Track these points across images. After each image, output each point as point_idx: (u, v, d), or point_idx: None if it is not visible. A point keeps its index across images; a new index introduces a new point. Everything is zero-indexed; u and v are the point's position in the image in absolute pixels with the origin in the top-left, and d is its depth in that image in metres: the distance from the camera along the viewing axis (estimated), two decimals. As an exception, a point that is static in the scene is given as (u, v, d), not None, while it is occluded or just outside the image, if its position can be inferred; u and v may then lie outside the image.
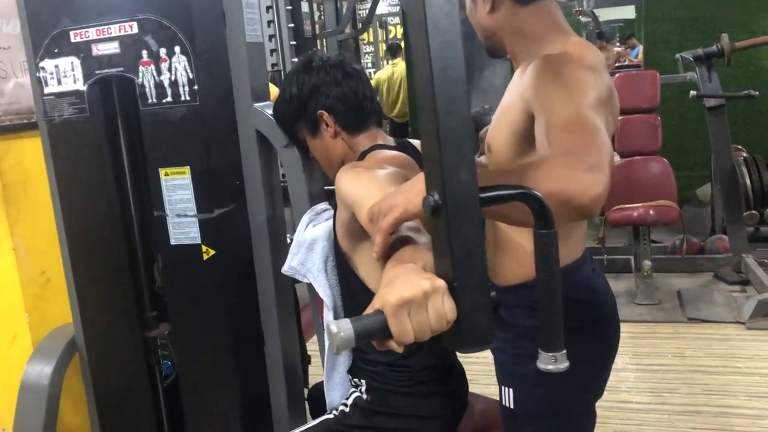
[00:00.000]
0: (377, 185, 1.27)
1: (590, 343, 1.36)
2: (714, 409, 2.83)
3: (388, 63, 9.23)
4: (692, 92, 3.97)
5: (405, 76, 7.03)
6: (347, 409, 1.56)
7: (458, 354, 1.61)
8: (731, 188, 4.19)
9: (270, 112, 1.62)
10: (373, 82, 7.28)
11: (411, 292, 0.77)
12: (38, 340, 1.97)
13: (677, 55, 4.32)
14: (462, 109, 0.75)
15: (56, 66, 1.66)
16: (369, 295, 1.48)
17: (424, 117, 0.77)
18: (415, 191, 0.95)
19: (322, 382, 1.92)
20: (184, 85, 1.58)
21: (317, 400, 1.85)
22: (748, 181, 4.12)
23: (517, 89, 1.26)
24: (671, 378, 3.13)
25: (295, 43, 5.14)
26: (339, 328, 0.76)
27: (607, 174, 0.95)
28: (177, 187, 1.63)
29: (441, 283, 0.78)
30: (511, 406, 1.39)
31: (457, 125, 0.75)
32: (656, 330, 3.68)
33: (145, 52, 1.58)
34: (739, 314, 3.67)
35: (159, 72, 1.59)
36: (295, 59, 5.24)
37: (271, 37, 5.19)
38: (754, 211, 4.48)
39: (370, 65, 9.16)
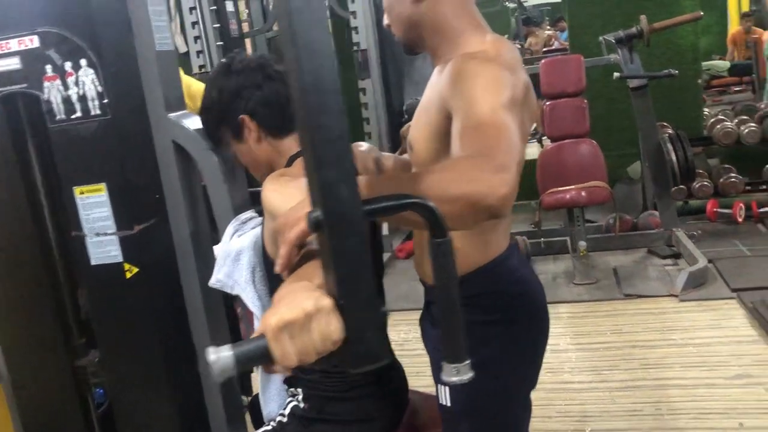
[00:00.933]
0: (302, 195, 1.24)
1: (521, 334, 1.38)
2: (652, 382, 2.92)
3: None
4: (615, 74, 4.06)
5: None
6: (285, 419, 1.53)
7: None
8: (658, 165, 4.32)
9: (186, 121, 1.58)
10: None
11: (292, 314, 0.75)
12: (-41, 371, 1.88)
13: (600, 38, 4.41)
14: (338, 123, 0.72)
15: (-46, 85, 1.57)
16: None
17: (301, 131, 0.75)
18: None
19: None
20: (93, 99, 1.52)
21: (259, 410, 1.82)
22: (674, 157, 4.25)
23: (436, 88, 1.26)
24: (611, 355, 3.21)
25: (222, 43, 5.03)
26: (217, 355, 0.73)
27: (514, 174, 0.96)
28: (93, 205, 1.57)
29: (326, 302, 0.76)
30: (448, 404, 1.39)
31: (334, 139, 0.72)
32: (595, 308, 3.78)
33: (49, 67, 1.52)
34: (673, 287, 3.80)
35: (66, 87, 1.52)
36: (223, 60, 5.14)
37: (196, 38, 5.07)
38: (682, 186, 4.64)
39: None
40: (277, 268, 0.94)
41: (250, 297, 1.51)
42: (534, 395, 1.47)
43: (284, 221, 0.96)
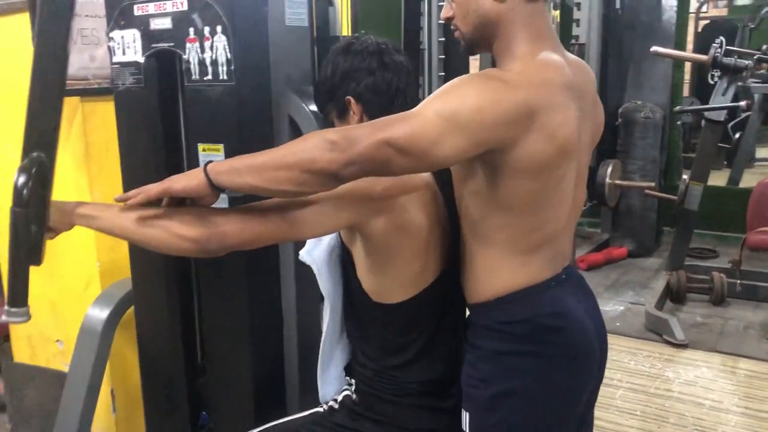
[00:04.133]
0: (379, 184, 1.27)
1: (555, 373, 1.27)
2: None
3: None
4: None
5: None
6: (336, 406, 1.54)
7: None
8: None
9: (304, 98, 1.61)
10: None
11: None
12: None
13: None
14: None
15: (122, 37, 1.76)
16: (361, 294, 1.44)
17: None
18: (190, 175, 1.22)
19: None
20: (222, 65, 1.61)
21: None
22: None
23: None
24: (780, 431, 2.76)
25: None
26: None
27: (357, 148, 1.07)
28: (212, 163, 1.67)
29: None
30: (467, 430, 1.32)
31: None
32: (782, 374, 3.26)
33: (191, 29, 1.63)
34: None
35: (202, 49, 1.63)
36: (442, 39, 5.16)
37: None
38: None
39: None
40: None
41: (324, 277, 1.52)
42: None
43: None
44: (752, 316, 3.94)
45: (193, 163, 1.70)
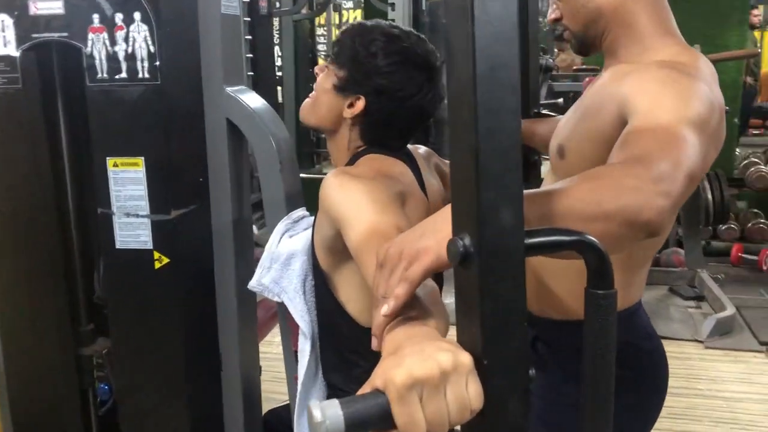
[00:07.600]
0: (371, 202, 1.05)
1: (642, 394, 1.22)
2: (679, 436, 2.74)
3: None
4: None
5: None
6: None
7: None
8: (692, 203, 4.14)
9: (244, 97, 1.37)
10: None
11: (424, 371, 0.57)
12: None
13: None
14: (512, 126, 0.57)
15: (-17, 24, 1.36)
16: (348, 321, 1.26)
17: (457, 133, 0.59)
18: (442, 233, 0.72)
19: (280, 408, 1.70)
20: (143, 60, 1.31)
21: (274, 429, 1.63)
22: (709, 196, 4.07)
23: (610, 92, 1.07)
24: (633, 398, 3.02)
25: (249, 19, 4.79)
26: (324, 415, 0.55)
27: (678, 188, 0.80)
28: (127, 181, 1.36)
29: (466, 358, 0.59)
30: None
31: (505, 146, 0.57)
32: (613, 345, 3.58)
33: (96, 17, 1.31)
34: (697, 332, 3.62)
35: (113, 42, 1.31)
36: (248, 37, 4.92)
37: (224, 11, 4.85)
38: (708, 226, 4.47)
39: (322, 49, 8.84)
40: (387, 311, 0.71)
41: (298, 309, 1.31)
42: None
43: (396, 252, 0.73)
44: None
45: (101, 184, 1.37)
